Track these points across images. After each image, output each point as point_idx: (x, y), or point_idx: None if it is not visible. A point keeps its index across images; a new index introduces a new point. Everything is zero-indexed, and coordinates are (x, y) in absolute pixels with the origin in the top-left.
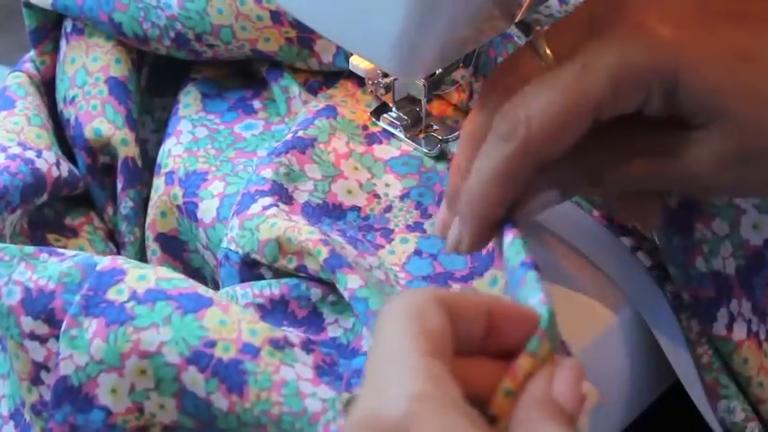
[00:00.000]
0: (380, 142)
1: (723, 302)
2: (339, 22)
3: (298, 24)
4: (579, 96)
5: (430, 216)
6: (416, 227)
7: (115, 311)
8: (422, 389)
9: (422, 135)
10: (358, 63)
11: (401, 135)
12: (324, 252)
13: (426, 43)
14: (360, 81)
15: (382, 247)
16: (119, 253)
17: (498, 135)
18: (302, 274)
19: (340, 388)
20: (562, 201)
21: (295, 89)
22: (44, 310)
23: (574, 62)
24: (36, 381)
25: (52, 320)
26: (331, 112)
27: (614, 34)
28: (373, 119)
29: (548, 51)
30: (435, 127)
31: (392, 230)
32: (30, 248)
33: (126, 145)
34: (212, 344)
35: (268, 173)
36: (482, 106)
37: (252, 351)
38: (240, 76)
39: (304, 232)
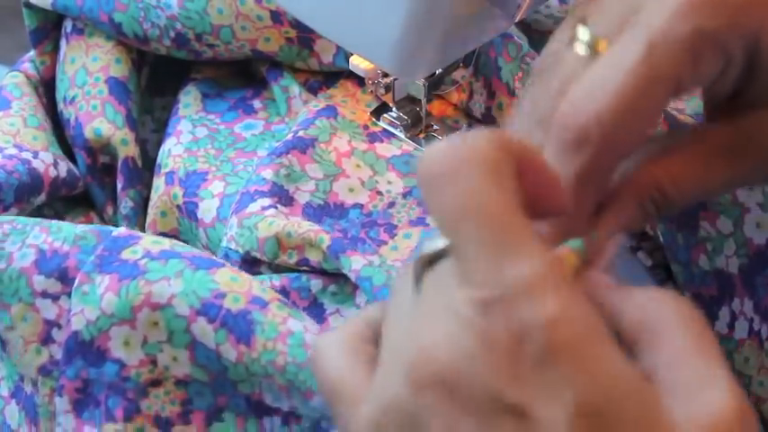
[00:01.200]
0: (382, 141)
1: (725, 301)
2: (339, 22)
3: (298, 24)
4: (653, 75)
5: None
6: (419, 221)
7: (129, 268)
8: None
9: (422, 135)
10: (358, 63)
11: (401, 135)
12: (326, 239)
13: (426, 43)
14: (360, 81)
15: (385, 243)
16: None
17: (564, 146)
18: (304, 268)
19: None
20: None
21: (295, 89)
22: (57, 269)
23: (632, 41)
24: (47, 340)
25: (65, 278)
26: (331, 112)
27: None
28: (373, 119)
29: (589, 37)
30: (435, 127)
31: (395, 226)
32: (41, 219)
33: (126, 145)
34: (222, 295)
35: (268, 174)
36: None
37: (260, 303)
38: (240, 76)
39: (304, 225)
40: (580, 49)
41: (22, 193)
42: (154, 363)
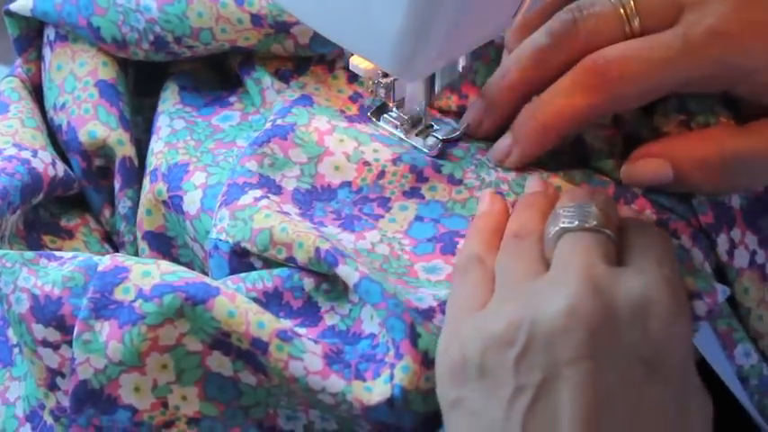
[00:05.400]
0: (359, 123)
1: (722, 229)
2: (339, 22)
3: (277, 25)
4: (680, 67)
5: (427, 179)
6: (413, 193)
7: (125, 312)
8: None
9: (422, 135)
10: (358, 63)
11: (401, 135)
12: (322, 249)
13: (426, 43)
14: (329, 66)
15: (381, 216)
16: (116, 252)
17: (583, 84)
18: (292, 265)
19: (350, 377)
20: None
21: (267, 80)
22: (54, 317)
23: (672, 35)
24: (52, 387)
25: (63, 326)
26: (307, 100)
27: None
28: (373, 119)
29: (637, 21)
30: (436, 127)
31: (389, 198)
32: (29, 254)
33: (122, 145)
34: (228, 335)
35: (253, 165)
36: (553, 38)
37: (261, 347)
38: (215, 68)
39: (301, 226)
40: (624, 25)
41: (25, 194)
42: (165, 405)
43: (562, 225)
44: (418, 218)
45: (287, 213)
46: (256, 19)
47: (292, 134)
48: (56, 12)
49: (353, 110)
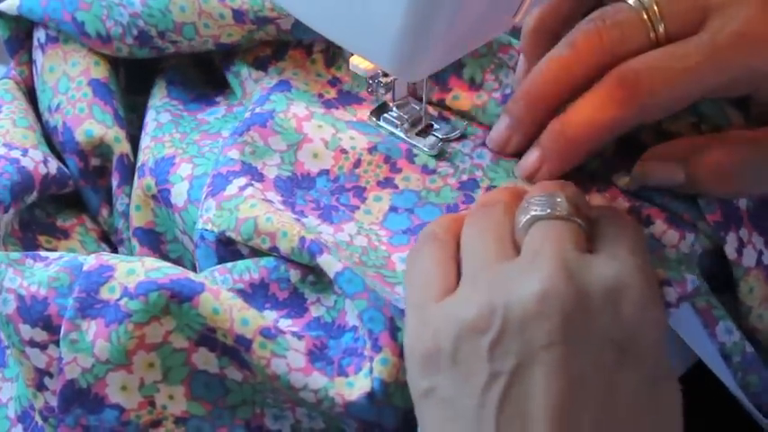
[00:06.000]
0: (338, 108)
1: (731, 227)
2: (339, 22)
3: (258, 21)
4: (708, 75)
5: (400, 170)
6: (387, 183)
7: (111, 311)
8: None
9: (422, 135)
10: (358, 63)
11: (402, 135)
12: (307, 240)
13: (426, 43)
14: (307, 50)
15: (357, 207)
16: (115, 252)
17: (612, 97)
18: (275, 255)
19: (332, 374)
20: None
21: (245, 71)
22: (41, 318)
23: (698, 42)
24: (40, 387)
25: (50, 326)
26: (285, 86)
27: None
28: (373, 118)
29: (662, 27)
30: (436, 126)
31: (364, 188)
32: (15, 254)
33: (119, 142)
34: (213, 330)
35: (235, 153)
36: (577, 49)
37: (245, 343)
38: (202, 64)
39: (285, 216)
40: (649, 33)
41: (16, 192)
42: (152, 404)
43: (533, 213)
44: (393, 208)
45: (270, 202)
46: (238, 15)
47: (271, 121)
48: (41, 8)
49: (332, 93)
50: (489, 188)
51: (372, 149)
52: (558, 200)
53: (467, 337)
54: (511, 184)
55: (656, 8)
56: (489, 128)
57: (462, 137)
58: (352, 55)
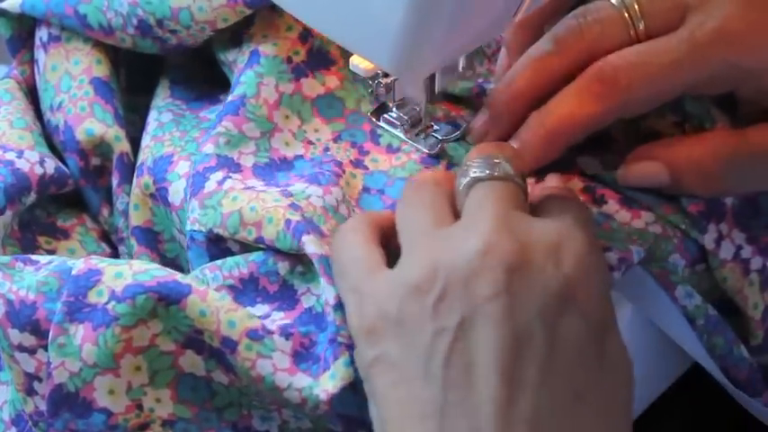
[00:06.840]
0: (306, 76)
1: (712, 219)
2: (339, 21)
3: (251, 3)
4: (687, 70)
5: (368, 153)
6: (358, 163)
7: (99, 315)
8: None
9: (422, 135)
10: (358, 63)
11: (401, 135)
12: (293, 221)
13: (426, 43)
14: (277, 8)
15: (339, 176)
16: (116, 251)
17: (590, 91)
18: (262, 246)
19: (318, 372)
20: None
21: (229, 56)
22: (29, 322)
23: (676, 38)
24: (30, 391)
25: (38, 331)
26: (254, 58)
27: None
28: (373, 118)
29: (642, 24)
30: (436, 127)
31: (341, 163)
32: (5, 258)
33: (119, 141)
34: (200, 332)
35: (210, 148)
36: (558, 45)
37: (231, 345)
38: (205, 62)
39: (269, 201)
40: (629, 30)
41: (11, 194)
42: (139, 407)
43: (473, 175)
44: (365, 189)
45: (252, 188)
46: None
47: (243, 108)
48: (43, 4)
49: (302, 54)
50: (449, 166)
51: (337, 139)
52: (497, 161)
53: (411, 299)
54: None
55: (636, 7)
56: None
57: (462, 137)
58: (352, 55)
